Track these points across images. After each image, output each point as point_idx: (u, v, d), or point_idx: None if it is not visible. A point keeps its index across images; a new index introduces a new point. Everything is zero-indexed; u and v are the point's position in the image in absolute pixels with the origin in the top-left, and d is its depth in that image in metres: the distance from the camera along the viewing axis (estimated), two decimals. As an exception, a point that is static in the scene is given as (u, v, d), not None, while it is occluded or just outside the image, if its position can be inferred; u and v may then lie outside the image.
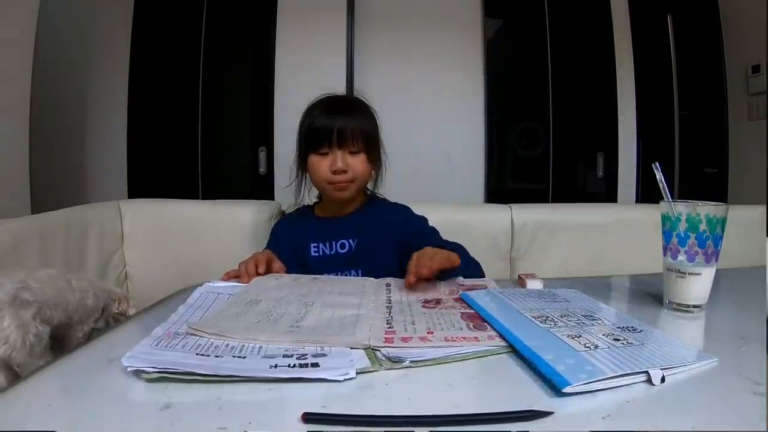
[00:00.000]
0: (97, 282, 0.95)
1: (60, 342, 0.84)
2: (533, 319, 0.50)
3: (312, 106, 0.92)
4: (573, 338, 0.44)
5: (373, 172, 0.94)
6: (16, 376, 0.68)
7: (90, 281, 0.94)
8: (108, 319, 0.96)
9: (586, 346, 0.42)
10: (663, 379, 0.38)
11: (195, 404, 0.35)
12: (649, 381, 0.38)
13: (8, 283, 0.77)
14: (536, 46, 2.31)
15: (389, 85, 2.25)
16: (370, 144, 0.90)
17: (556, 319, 0.50)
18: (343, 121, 0.86)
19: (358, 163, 0.88)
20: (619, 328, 0.49)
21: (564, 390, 0.35)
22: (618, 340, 0.45)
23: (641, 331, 0.48)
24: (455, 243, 0.87)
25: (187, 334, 0.46)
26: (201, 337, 0.45)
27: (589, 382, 0.36)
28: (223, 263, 1.22)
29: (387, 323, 0.50)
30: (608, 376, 0.36)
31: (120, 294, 0.99)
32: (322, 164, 0.87)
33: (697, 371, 0.41)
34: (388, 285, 0.68)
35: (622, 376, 0.37)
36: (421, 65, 2.30)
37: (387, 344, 0.44)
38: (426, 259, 0.66)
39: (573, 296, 0.62)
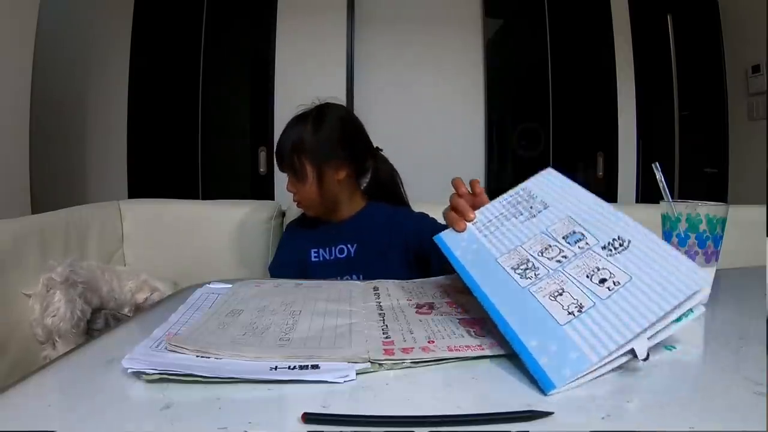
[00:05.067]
0: (142, 275, 1.02)
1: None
2: (512, 271, 0.47)
3: None
4: (554, 299, 0.41)
5: (345, 174, 0.91)
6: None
7: (133, 275, 1.02)
8: (108, 318, 0.97)
9: (569, 312, 0.39)
10: (647, 357, 0.36)
11: (195, 404, 0.35)
12: (635, 357, 0.37)
13: (59, 266, 0.91)
14: (536, 46, 2.31)
15: (389, 85, 2.25)
16: (313, 165, 0.87)
17: (536, 265, 0.46)
18: (282, 150, 0.89)
19: (301, 186, 0.89)
20: (604, 248, 0.45)
21: (549, 393, 0.34)
22: (604, 280, 0.41)
23: (628, 242, 0.45)
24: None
25: (167, 350, 0.43)
26: (183, 353, 0.42)
27: (574, 380, 0.35)
28: (223, 263, 1.24)
29: (383, 332, 0.48)
30: (594, 367, 0.35)
31: (155, 286, 1.05)
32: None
33: (697, 372, 0.41)
34: (375, 289, 0.66)
35: (608, 362, 0.36)
36: (421, 65, 2.30)
37: (388, 356, 0.42)
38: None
39: (552, 188, 0.57)
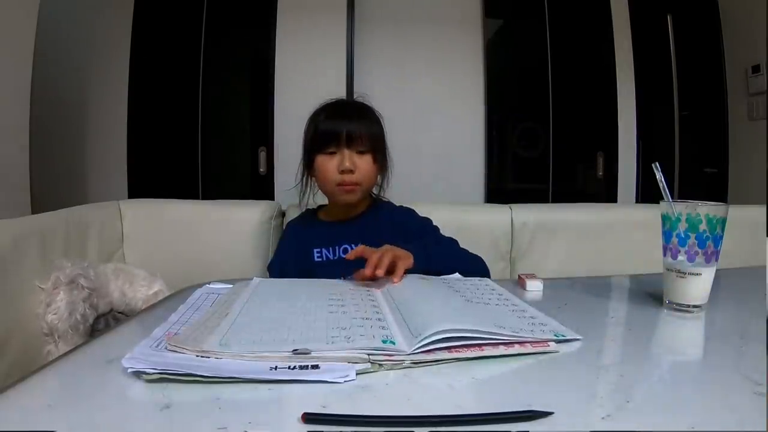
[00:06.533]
0: (155, 285, 1.05)
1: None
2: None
3: (318, 111, 0.92)
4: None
5: (378, 176, 0.93)
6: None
7: (147, 281, 1.04)
8: (108, 319, 0.97)
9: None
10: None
11: (195, 404, 0.35)
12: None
13: (69, 267, 0.92)
14: (536, 46, 2.31)
15: (389, 85, 2.25)
16: (377, 146, 0.90)
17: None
18: (350, 123, 0.86)
19: (365, 163, 0.87)
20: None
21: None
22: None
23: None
24: (449, 238, 0.88)
25: (167, 350, 0.43)
26: (183, 353, 0.42)
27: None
28: (223, 263, 1.24)
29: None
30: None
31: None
32: (329, 164, 0.86)
33: (697, 372, 0.41)
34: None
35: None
36: (421, 65, 2.29)
37: (387, 358, 0.42)
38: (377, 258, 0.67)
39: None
